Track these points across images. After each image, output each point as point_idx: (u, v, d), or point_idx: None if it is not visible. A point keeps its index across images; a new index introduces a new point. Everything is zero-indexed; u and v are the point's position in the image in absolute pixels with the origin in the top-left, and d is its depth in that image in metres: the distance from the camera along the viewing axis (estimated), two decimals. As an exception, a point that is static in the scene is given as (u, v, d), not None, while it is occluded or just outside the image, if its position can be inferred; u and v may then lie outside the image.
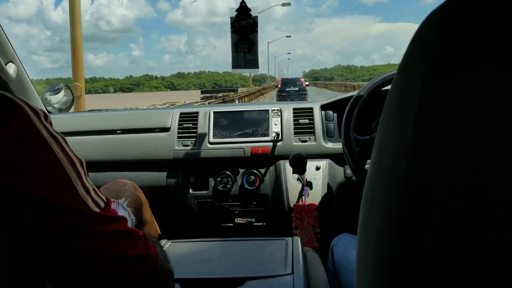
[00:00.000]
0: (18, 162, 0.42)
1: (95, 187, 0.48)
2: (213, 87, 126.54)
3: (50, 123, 0.46)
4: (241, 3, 1.29)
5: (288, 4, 30.02)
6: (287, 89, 22.12)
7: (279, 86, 23.31)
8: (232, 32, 1.32)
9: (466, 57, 0.27)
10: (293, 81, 23.32)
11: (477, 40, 0.27)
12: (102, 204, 0.47)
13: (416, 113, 0.29)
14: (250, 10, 1.30)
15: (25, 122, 0.43)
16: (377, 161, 0.34)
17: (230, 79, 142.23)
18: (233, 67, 1.36)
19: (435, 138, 0.28)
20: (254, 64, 1.34)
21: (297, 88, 22.15)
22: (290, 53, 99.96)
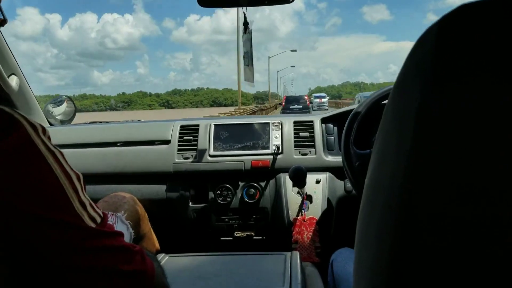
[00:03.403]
0: (15, 178, 0.44)
1: (91, 202, 0.50)
2: (211, 105, 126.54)
3: (48, 138, 0.48)
4: (245, 17, 1.38)
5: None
6: (291, 107, 22.64)
7: (283, 103, 23.91)
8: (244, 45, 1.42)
9: (463, 69, 0.29)
10: (296, 99, 23.85)
11: (472, 52, 0.29)
12: (98, 219, 0.50)
13: (414, 125, 0.30)
14: (248, 24, 1.40)
15: (23, 137, 0.45)
16: (375, 174, 0.36)
17: (229, 96, 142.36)
18: (245, 79, 1.45)
19: (433, 150, 0.30)
20: (251, 78, 1.44)
21: (300, 106, 22.67)
22: (294, 66, 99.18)
